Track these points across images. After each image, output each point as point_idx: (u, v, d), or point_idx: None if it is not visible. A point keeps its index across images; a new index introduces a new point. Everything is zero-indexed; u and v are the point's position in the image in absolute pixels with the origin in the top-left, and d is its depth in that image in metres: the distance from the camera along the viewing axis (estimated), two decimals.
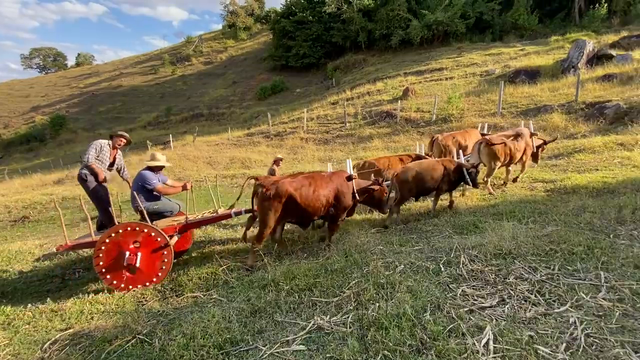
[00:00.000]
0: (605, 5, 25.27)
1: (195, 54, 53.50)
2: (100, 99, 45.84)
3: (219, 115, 32.53)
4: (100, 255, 3.72)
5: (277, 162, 7.23)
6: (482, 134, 7.16)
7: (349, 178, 4.37)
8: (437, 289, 2.63)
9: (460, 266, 2.94)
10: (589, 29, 24.14)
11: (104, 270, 3.73)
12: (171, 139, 21.50)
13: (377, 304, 2.43)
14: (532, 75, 17.55)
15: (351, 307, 2.51)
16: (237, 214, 4.66)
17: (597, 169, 6.43)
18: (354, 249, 3.75)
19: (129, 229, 3.83)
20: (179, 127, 31.73)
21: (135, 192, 4.31)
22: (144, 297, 3.66)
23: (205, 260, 4.41)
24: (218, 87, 41.69)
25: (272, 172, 6.89)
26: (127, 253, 3.76)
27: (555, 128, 11.05)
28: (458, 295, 2.53)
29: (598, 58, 16.35)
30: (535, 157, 6.54)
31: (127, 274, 3.77)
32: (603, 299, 2.30)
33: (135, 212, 4.60)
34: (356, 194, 4.34)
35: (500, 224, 3.96)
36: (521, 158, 6.15)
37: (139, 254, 3.78)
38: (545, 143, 6.66)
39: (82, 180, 4.59)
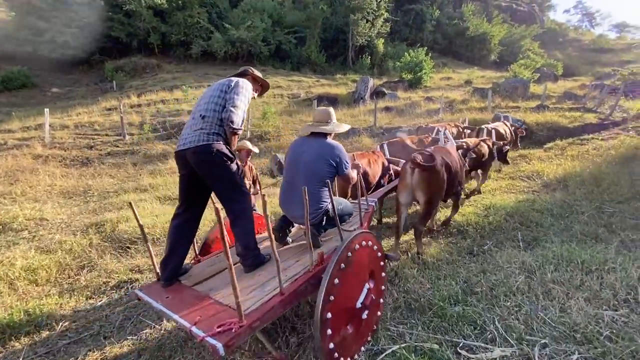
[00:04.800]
0: (369, 57, 32.42)
1: None
2: None
3: None
4: (333, 314, 1.71)
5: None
6: (464, 127, 7.56)
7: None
8: None
9: None
10: (360, 73, 29.82)
11: (334, 343, 1.71)
12: None
13: None
14: (332, 101, 18.77)
15: None
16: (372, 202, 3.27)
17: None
18: None
19: (363, 243, 2.04)
20: None
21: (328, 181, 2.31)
22: None
23: None
24: None
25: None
26: (364, 291, 2.01)
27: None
28: None
29: (376, 94, 19.39)
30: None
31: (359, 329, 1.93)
32: None
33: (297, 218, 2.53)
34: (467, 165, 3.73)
35: None
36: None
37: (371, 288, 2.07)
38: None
39: (219, 160, 2.00)
